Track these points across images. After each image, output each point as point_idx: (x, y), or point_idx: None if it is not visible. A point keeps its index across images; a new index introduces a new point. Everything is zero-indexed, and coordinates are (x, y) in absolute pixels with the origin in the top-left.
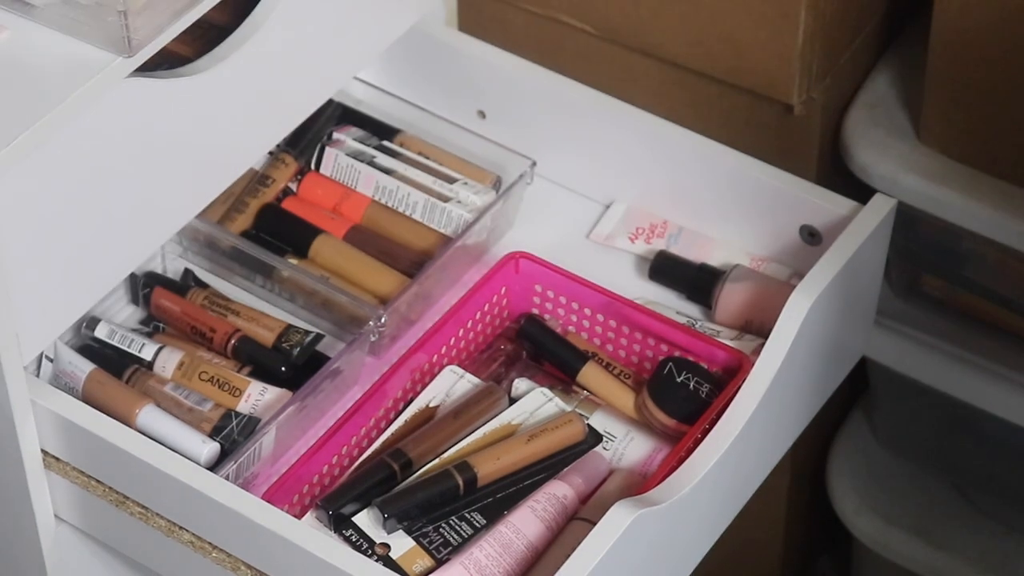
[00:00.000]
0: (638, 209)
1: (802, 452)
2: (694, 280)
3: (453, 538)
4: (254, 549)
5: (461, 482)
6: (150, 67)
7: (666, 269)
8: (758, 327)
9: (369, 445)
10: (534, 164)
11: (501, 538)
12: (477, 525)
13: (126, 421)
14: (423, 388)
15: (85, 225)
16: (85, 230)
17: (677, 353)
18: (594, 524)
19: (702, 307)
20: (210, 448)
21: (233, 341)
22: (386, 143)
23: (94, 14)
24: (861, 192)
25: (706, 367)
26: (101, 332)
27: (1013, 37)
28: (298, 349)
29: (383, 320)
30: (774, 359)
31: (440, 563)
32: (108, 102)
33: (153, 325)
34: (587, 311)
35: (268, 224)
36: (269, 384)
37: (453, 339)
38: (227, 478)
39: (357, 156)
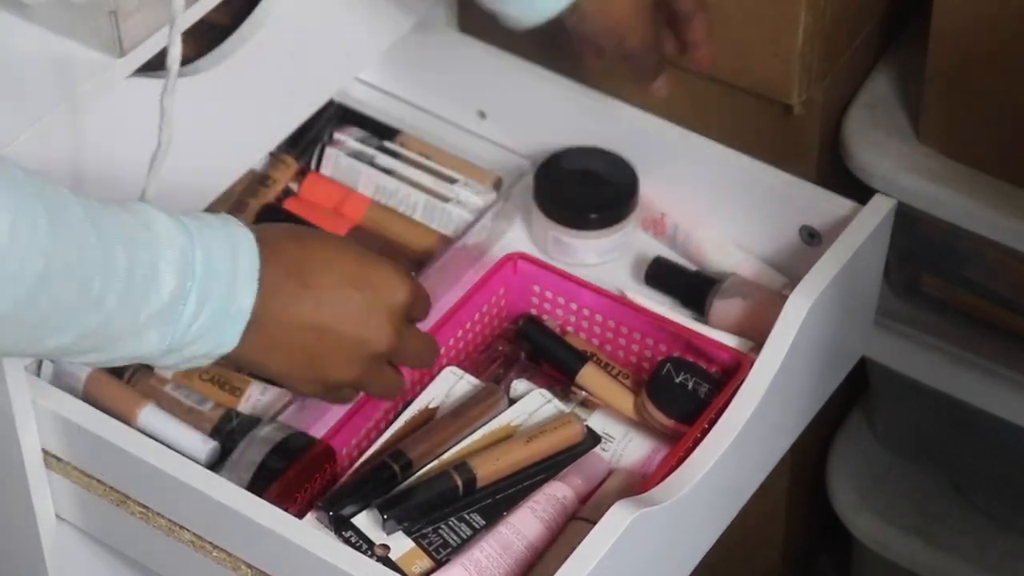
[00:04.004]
0: (638, 207)
1: (802, 452)
2: (688, 288)
3: (452, 539)
4: (255, 549)
5: (460, 483)
6: (151, 67)
7: (662, 275)
8: (751, 337)
9: (369, 446)
10: (534, 164)
11: (501, 539)
12: (476, 526)
13: (127, 421)
14: (423, 389)
15: None
16: None
17: (676, 353)
18: (594, 524)
19: (697, 314)
20: (210, 448)
21: None
22: (386, 143)
23: (86, 15)
24: (861, 192)
25: (705, 367)
26: None
27: (1012, 37)
28: None
29: None
30: (773, 359)
31: (440, 564)
32: (108, 102)
33: None
34: (585, 311)
35: None
36: (269, 384)
37: (452, 340)
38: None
39: (357, 156)
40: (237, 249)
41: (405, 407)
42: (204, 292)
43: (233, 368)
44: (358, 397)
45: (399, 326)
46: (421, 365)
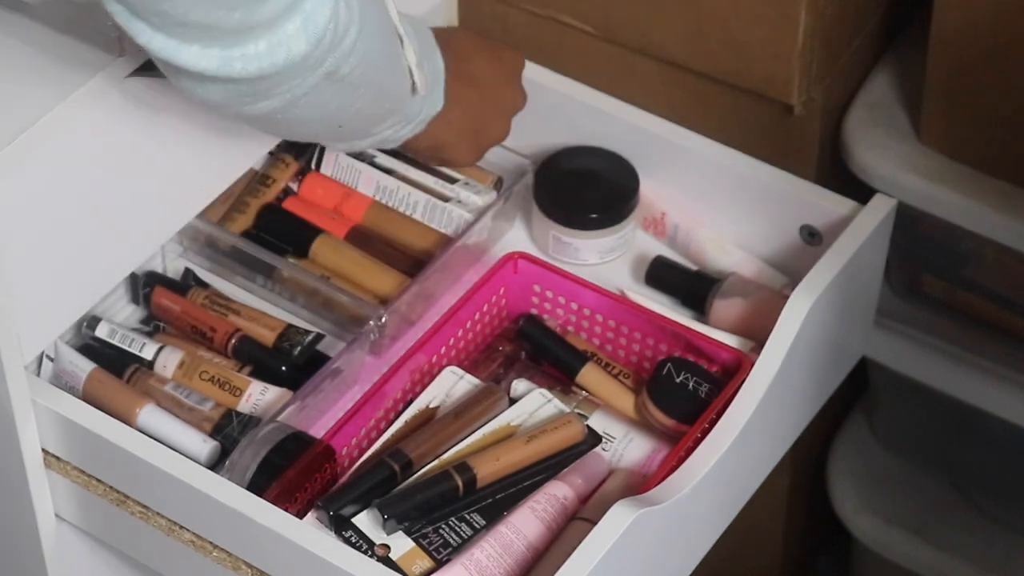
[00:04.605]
0: (638, 206)
1: (802, 452)
2: (688, 288)
3: (453, 539)
4: (255, 548)
5: (460, 483)
6: (151, 66)
7: (662, 275)
8: (751, 337)
9: (369, 446)
10: (534, 164)
11: (501, 538)
12: (476, 526)
13: (126, 420)
14: (423, 389)
15: (85, 224)
16: (85, 229)
17: (676, 353)
18: (594, 524)
19: (697, 313)
20: (211, 447)
21: (233, 341)
22: None
23: (86, 13)
24: (861, 192)
25: (705, 367)
26: (102, 331)
27: (1012, 37)
28: (298, 349)
29: (383, 320)
30: (774, 359)
31: (440, 564)
32: (108, 101)
33: (153, 325)
34: (586, 311)
35: (269, 224)
36: (269, 384)
37: (452, 339)
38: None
39: (358, 156)
40: (434, 51)
41: (405, 407)
42: (434, 77)
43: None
44: None
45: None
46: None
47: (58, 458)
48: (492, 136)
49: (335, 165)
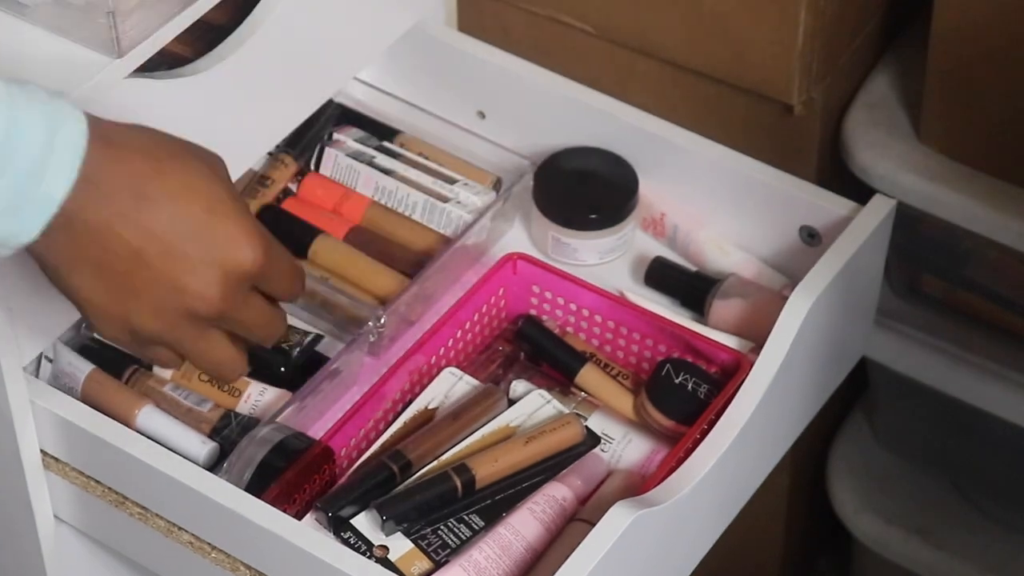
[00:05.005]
0: (638, 207)
1: (802, 452)
2: (688, 288)
3: (451, 540)
4: (253, 550)
5: (459, 484)
6: (150, 67)
7: (661, 275)
8: (751, 338)
9: (368, 447)
10: (534, 164)
11: (500, 540)
12: (475, 527)
13: (125, 422)
14: (422, 390)
15: None
16: None
17: (676, 354)
18: (593, 525)
19: (696, 314)
20: (209, 448)
21: None
22: (386, 144)
23: (84, 15)
24: (861, 192)
25: (704, 368)
26: None
27: (1013, 36)
28: (298, 349)
29: (382, 320)
30: (774, 359)
31: (438, 565)
32: (107, 103)
33: None
34: (585, 312)
35: (268, 225)
36: (269, 384)
37: (451, 340)
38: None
39: (357, 157)
40: (58, 128)
41: (404, 408)
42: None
43: (41, 267)
44: (179, 369)
45: (233, 291)
46: (256, 340)
47: (57, 459)
48: (136, 319)
49: (334, 166)
